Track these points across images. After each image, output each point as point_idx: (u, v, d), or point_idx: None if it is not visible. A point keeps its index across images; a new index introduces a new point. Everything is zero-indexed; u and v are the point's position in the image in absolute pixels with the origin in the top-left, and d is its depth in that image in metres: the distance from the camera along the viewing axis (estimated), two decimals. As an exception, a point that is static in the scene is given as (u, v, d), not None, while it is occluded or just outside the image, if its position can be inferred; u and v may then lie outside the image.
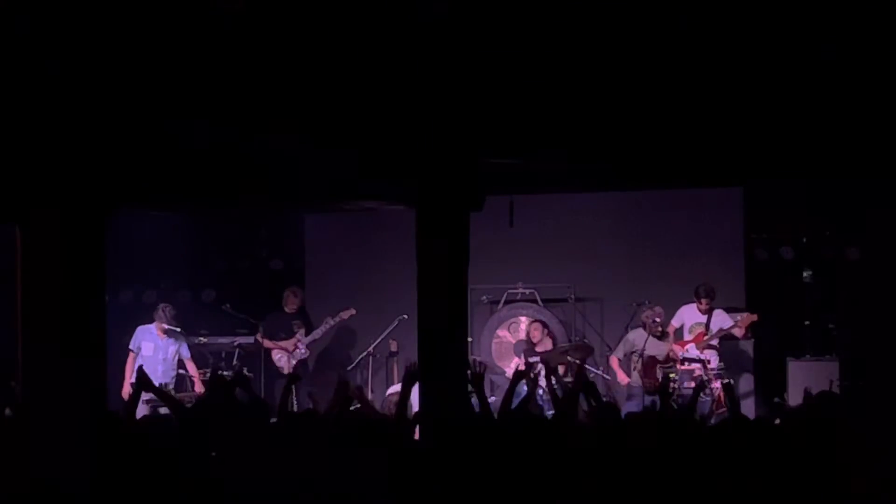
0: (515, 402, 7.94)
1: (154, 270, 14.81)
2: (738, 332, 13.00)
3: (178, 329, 13.20)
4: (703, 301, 12.99)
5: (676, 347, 13.08)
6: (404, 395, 7.72)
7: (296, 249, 15.28)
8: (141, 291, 14.80)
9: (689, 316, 13.21)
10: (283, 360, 13.93)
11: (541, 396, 12.47)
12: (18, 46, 5.90)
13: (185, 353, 13.22)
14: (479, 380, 8.17)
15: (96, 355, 7.29)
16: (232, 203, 10.60)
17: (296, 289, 14.26)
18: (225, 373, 13.07)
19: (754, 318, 12.98)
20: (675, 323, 13.22)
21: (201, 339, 14.37)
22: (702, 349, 12.94)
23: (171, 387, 12.77)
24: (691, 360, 12.84)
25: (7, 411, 10.58)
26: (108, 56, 5.75)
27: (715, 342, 13.00)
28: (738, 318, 13.00)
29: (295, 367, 13.80)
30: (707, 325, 13.01)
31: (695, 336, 13.07)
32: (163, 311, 13.07)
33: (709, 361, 12.75)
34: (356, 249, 14.59)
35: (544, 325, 13.66)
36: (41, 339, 7.23)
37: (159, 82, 6.07)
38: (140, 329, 13.02)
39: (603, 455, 6.38)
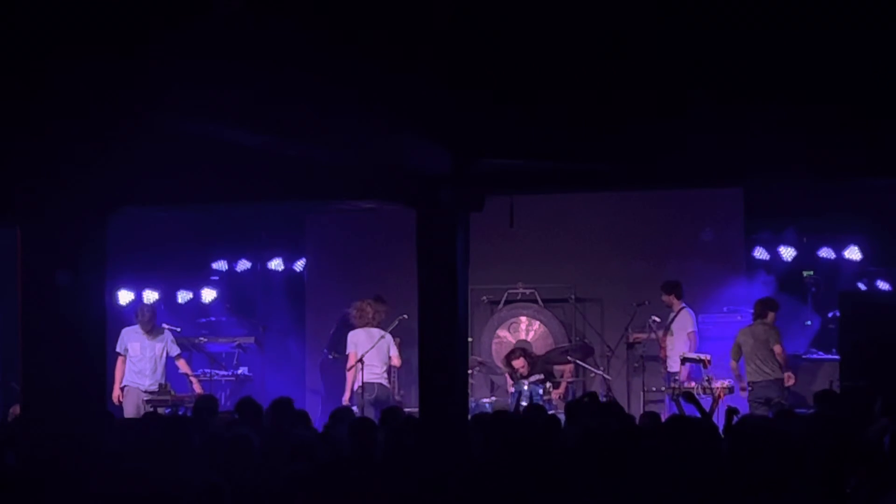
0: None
1: (154, 270, 14.81)
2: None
3: (166, 327, 13.25)
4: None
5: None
6: None
7: (296, 249, 15.29)
8: (141, 291, 14.81)
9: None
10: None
11: (540, 396, 12.51)
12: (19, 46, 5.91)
13: (174, 351, 13.16)
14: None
15: (96, 355, 7.27)
16: (232, 203, 10.58)
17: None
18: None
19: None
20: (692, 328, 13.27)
21: (202, 339, 14.39)
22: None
23: (163, 384, 12.82)
24: (692, 360, 12.86)
25: (12, 410, 10.64)
26: (107, 53, 5.76)
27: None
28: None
29: None
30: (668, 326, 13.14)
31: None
32: (140, 312, 13.07)
33: (709, 361, 12.76)
34: (356, 249, 14.59)
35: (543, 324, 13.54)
36: (41, 340, 7.23)
37: (156, 80, 6.07)
38: (125, 331, 13.03)
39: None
